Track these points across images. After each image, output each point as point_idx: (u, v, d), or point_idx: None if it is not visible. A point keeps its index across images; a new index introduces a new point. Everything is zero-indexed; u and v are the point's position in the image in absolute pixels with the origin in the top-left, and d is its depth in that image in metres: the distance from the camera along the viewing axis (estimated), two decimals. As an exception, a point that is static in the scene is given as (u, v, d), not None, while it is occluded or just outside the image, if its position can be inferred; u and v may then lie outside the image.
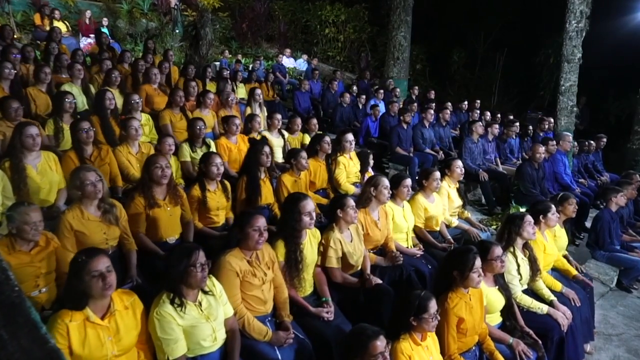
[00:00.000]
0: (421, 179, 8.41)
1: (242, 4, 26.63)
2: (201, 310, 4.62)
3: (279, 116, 10.64)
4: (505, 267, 6.17)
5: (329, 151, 9.21)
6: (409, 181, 7.77)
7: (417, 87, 19.68)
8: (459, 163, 9.20)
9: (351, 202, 6.46)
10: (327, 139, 9.24)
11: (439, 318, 4.90)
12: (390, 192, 7.35)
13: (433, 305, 4.82)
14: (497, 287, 6.13)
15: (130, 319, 4.40)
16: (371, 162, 10.00)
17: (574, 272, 7.79)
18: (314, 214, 5.99)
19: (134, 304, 4.50)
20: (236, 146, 9.45)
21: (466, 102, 17.92)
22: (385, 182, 7.24)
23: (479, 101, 18.13)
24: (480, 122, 13.31)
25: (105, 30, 18.68)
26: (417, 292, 4.94)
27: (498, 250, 5.96)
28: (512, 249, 6.74)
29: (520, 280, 6.68)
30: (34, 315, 2.42)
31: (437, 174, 8.34)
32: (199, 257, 4.55)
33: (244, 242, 5.26)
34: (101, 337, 4.16)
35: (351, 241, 6.56)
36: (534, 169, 11.34)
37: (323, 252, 6.33)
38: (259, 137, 9.94)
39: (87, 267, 4.10)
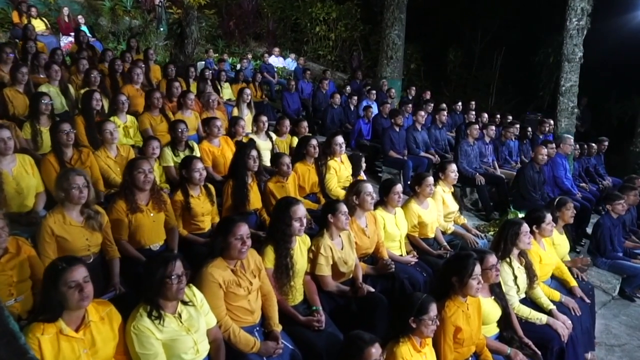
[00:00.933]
0: (414, 184, 8.36)
1: (230, 1, 26.57)
2: (181, 322, 4.57)
3: (264, 118, 10.53)
4: (500, 276, 6.19)
5: (317, 154, 9.11)
6: (399, 187, 7.68)
7: (414, 88, 19.75)
8: (454, 167, 9.15)
9: (343, 207, 6.42)
10: (314, 141, 9.12)
11: (438, 323, 4.94)
12: (375, 199, 7.32)
13: (434, 309, 4.87)
14: (492, 297, 6.13)
15: (107, 330, 4.37)
16: (363, 165, 9.93)
17: (573, 282, 7.74)
18: (304, 220, 5.96)
19: (110, 314, 4.47)
20: (219, 149, 9.43)
21: (460, 103, 17.97)
22: (368, 188, 7.15)
23: (473, 102, 18.12)
24: (476, 124, 13.27)
25: (84, 28, 18.63)
26: (418, 294, 5.04)
27: (492, 259, 5.93)
28: (508, 260, 6.73)
29: (517, 291, 6.69)
30: (12, 325, 2.42)
31: (430, 179, 8.28)
32: (175, 268, 4.47)
33: (227, 251, 5.21)
34: (76, 350, 4.12)
35: (342, 248, 6.51)
36: (535, 171, 11.35)
37: (313, 260, 6.29)
38: (246, 140, 9.92)
39: (64, 276, 4.07)
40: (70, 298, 4.07)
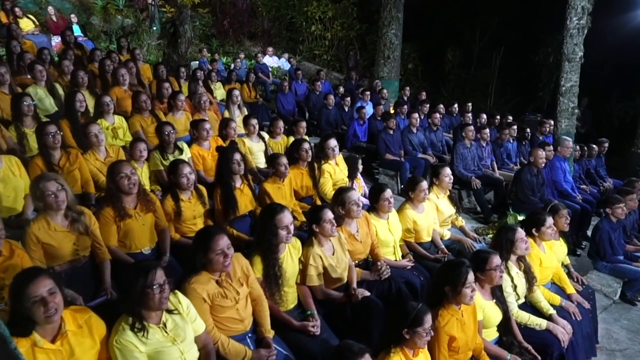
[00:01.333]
0: (408, 189, 8.27)
1: (224, 0, 26.57)
2: (166, 333, 4.46)
3: (254, 121, 10.44)
4: (503, 278, 6.16)
5: (309, 158, 9.02)
6: (388, 193, 7.54)
7: (408, 88, 19.69)
8: (447, 171, 8.98)
9: (327, 214, 6.29)
10: (306, 145, 9.02)
11: (432, 334, 4.86)
12: (360, 205, 7.06)
13: (428, 320, 4.78)
14: (494, 300, 6.10)
15: (86, 339, 4.28)
16: (360, 167, 9.91)
17: (571, 290, 7.70)
18: (291, 227, 5.86)
19: (90, 321, 4.37)
20: (209, 152, 9.37)
21: (456, 105, 17.95)
22: (353, 196, 6.98)
23: (470, 104, 17.87)
24: (471, 126, 13.25)
25: (76, 27, 18.62)
26: (414, 304, 4.90)
27: (497, 260, 5.91)
28: (506, 267, 6.66)
29: (516, 290, 6.64)
30: (2, 330, 2.42)
31: (424, 184, 8.14)
32: (157, 277, 4.34)
33: (209, 266, 5.10)
34: (53, 362, 4.05)
35: (333, 253, 6.45)
36: (533, 174, 11.26)
37: (303, 270, 6.22)
38: (242, 142, 9.91)
39: (26, 292, 3.96)
40: (36, 313, 3.98)
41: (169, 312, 4.59)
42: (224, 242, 5.09)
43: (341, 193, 7.07)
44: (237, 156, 7.80)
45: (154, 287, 4.30)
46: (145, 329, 4.33)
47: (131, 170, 6.50)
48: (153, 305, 4.35)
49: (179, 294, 4.79)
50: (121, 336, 4.24)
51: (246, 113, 12.18)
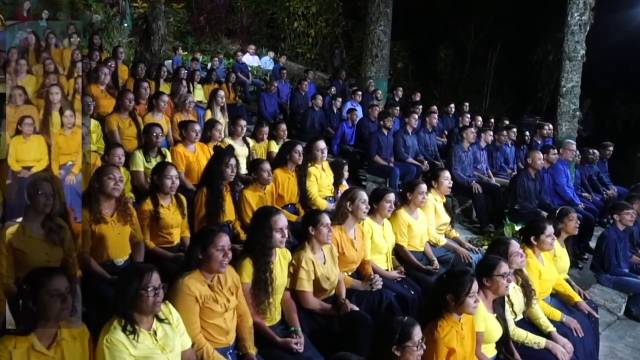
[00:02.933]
0: (405, 191, 8.31)
1: (200, -6, 26.45)
2: (156, 340, 4.52)
3: (243, 122, 10.51)
4: (509, 289, 6.21)
5: (300, 161, 9.04)
6: (392, 195, 7.66)
7: (400, 89, 19.76)
8: (447, 174, 9.12)
9: (326, 219, 6.40)
10: (299, 147, 9.06)
11: (424, 347, 4.81)
12: (369, 207, 7.25)
13: (417, 333, 4.73)
14: (495, 315, 6.13)
15: (78, 350, 4.33)
16: (346, 173, 9.95)
17: (577, 298, 7.74)
18: (286, 231, 5.95)
19: (82, 333, 4.44)
20: (194, 155, 9.37)
21: (453, 105, 17.92)
22: (364, 196, 7.15)
23: (467, 104, 17.99)
24: (472, 128, 13.25)
25: (43, 23, 18.56)
26: (399, 318, 4.88)
27: (505, 267, 5.96)
28: None
29: (513, 308, 6.68)
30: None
31: (424, 187, 8.24)
32: (152, 280, 4.44)
33: (206, 264, 5.18)
34: (46, 367, 4.11)
35: (324, 263, 6.50)
36: (530, 179, 11.30)
37: (293, 274, 6.28)
38: (224, 146, 9.84)
39: (49, 283, 4.06)
40: (52, 307, 4.06)
41: (160, 320, 4.66)
42: (226, 240, 5.24)
43: (353, 189, 7.35)
44: (233, 161, 7.88)
45: (149, 289, 4.40)
46: (136, 332, 4.40)
47: (120, 177, 6.57)
48: (146, 309, 4.45)
49: (170, 306, 4.86)
50: (112, 335, 4.32)
51: (227, 116, 12.22)
